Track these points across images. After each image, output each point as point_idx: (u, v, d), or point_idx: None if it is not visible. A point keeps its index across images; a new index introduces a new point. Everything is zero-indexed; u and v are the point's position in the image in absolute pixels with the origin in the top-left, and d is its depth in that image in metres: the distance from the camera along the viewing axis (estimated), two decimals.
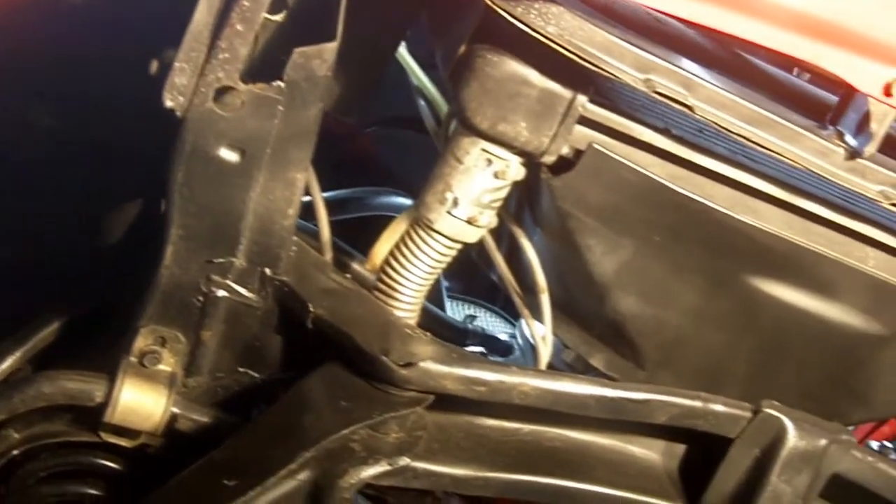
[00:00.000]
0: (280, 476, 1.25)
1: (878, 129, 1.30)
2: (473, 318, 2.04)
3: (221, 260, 1.33)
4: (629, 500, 1.43)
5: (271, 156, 1.25)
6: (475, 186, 1.34)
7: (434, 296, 2.16)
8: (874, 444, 2.10)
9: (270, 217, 1.30)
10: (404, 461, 1.33)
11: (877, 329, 1.48)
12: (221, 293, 1.35)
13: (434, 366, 1.30)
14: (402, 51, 1.69)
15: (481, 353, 1.81)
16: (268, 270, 1.35)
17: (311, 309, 1.35)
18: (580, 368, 1.59)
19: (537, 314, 1.52)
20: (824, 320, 1.46)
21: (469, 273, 2.19)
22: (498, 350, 1.88)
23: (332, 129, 2.30)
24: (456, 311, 2.26)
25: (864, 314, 1.47)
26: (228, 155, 1.24)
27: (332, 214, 1.56)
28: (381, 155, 2.59)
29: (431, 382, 1.30)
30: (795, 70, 1.70)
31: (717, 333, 1.48)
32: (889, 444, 2.09)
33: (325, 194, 1.54)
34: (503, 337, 1.96)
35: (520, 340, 1.86)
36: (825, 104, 1.46)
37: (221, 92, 1.20)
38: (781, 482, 1.40)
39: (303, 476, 1.27)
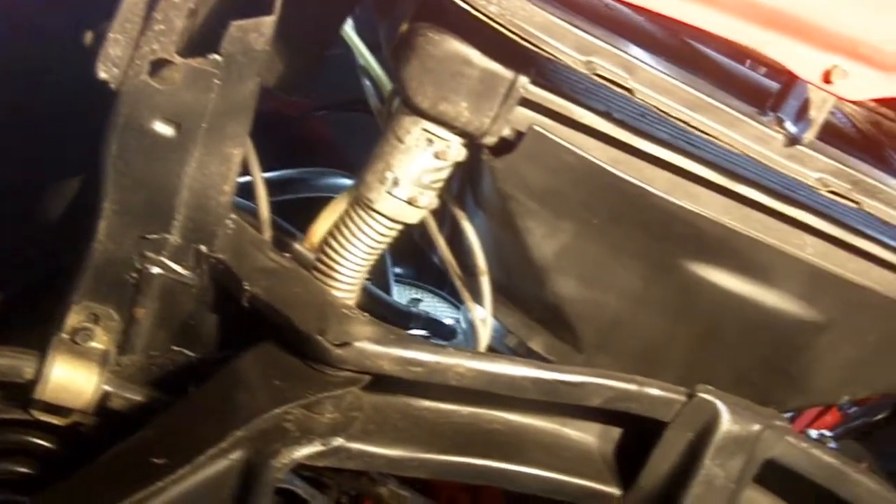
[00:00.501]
0: (210, 455, 1.23)
1: (817, 116, 1.31)
2: (418, 301, 2.04)
3: (155, 236, 1.31)
4: (564, 482, 1.43)
5: (207, 130, 1.23)
6: (416, 166, 1.33)
7: (381, 280, 2.15)
8: (814, 433, 2.12)
9: (206, 193, 1.29)
10: (338, 441, 1.32)
11: (813, 316, 1.49)
12: (156, 270, 1.33)
13: (370, 346, 1.29)
14: (349, 30, 1.68)
15: (424, 337, 1.81)
16: (203, 247, 1.33)
17: (247, 287, 1.33)
18: (523, 353, 1.59)
19: (478, 297, 1.51)
20: (761, 306, 1.47)
21: (418, 258, 2.19)
22: (441, 334, 1.87)
23: (284, 111, 2.30)
24: (403, 296, 2.25)
25: (800, 301, 1.48)
26: (163, 128, 1.22)
27: (276, 194, 1.55)
28: (334, 138, 2.58)
29: (367, 363, 1.29)
30: (748, 62, 1.71)
31: (654, 318, 1.49)
32: (828, 433, 2.12)
33: (268, 174, 1.53)
34: (448, 321, 1.96)
35: (463, 324, 1.86)
36: (769, 92, 1.46)
37: (157, 65, 1.18)
38: (715, 466, 1.40)
39: (234, 455, 1.25)
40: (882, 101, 2.08)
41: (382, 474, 1.51)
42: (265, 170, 1.48)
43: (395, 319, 1.77)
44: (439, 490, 1.77)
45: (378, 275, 2.12)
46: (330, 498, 1.66)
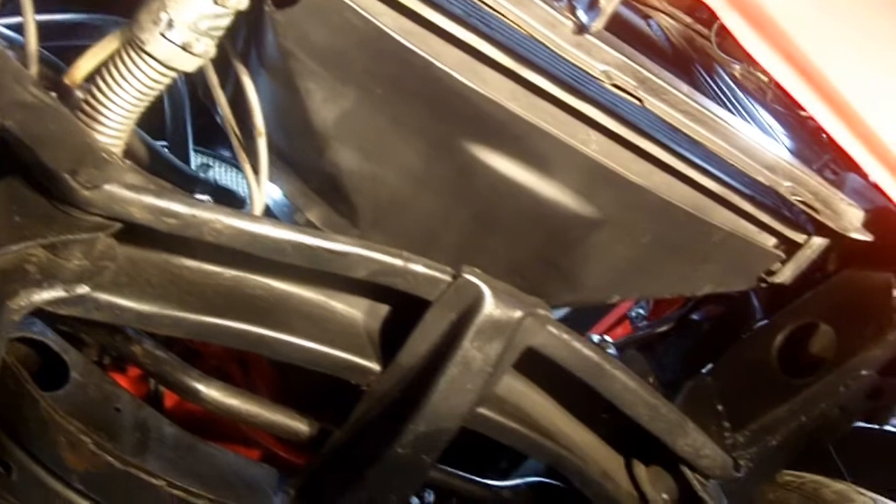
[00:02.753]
0: None
1: (607, 5, 1.30)
2: (208, 167, 1.97)
3: None
4: (324, 353, 1.41)
5: None
6: (192, 10, 1.25)
7: (180, 149, 2.08)
8: (595, 337, 2.17)
9: None
10: (84, 290, 1.26)
11: (590, 212, 1.50)
12: None
13: (121, 190, 1.21)
14: None
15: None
16: None
17: (0, 120, 1.24)
18: None
19: (256, 160, 1.46)
20: (540, 197, 1.46)
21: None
22: (230, 203, 1.81)
23: None
24: (195, 161, 2.17)
25: (579, 196, 1.48)
26: None
27: (58, 38, 1.45)
28: None
29: (117, 208, 1.22)
30: None
31: (432, 198, 1.47)
32: (609, 339, 2.16)
33: (49, 16, 1.43)
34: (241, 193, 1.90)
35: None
36: None
37: None
38: (473, 348, 1.40)
39: None
40: (698, 20, 2.11)
41: (139, 333, 1.46)
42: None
43: (178, 182, 1.70)
44: (208, 360, 1.74)
45: (176, 139, 2.05)
46: (88, 356, 1.61)
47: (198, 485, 1.46)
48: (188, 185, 1.78)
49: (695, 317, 2.23)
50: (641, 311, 2.73)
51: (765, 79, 2.06)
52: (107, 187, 1.21)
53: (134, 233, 1.29)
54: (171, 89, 2.04)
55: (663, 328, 2.25)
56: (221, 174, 2.18)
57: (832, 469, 2.24)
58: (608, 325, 2.78)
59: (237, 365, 1.82)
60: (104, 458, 1.40)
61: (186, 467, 1.48)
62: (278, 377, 1.82)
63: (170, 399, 1.78)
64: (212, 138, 2.22)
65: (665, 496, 1.72)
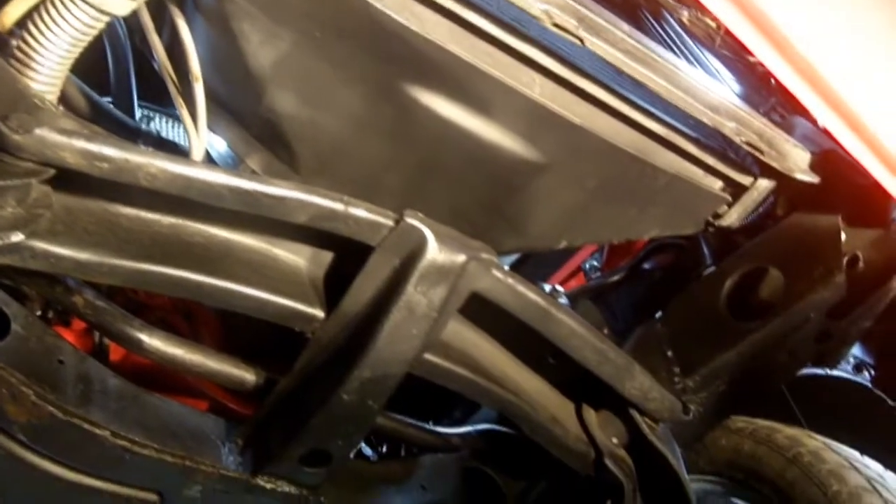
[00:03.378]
0: None
1: None
2: (149, 119, 1.94)
3: None
4: (266, 300, 1.39)
5: None
6: None
7: (125, 103, 2.05)
8: (547, 287, 2.18)
9: None
10: (18, 237, 1.23)
11: (534, 156, 1.49)
12: None
13: (52, 135, 1.19)
14: None
15: None
16: None
17: None
18: None
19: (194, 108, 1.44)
20: (483, 141, 1.45)
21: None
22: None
23: None
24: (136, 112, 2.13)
25: (523, 140, 1.47)
26: None
27: None
28: None
29: (48, 153, 1.20)
30: None
31: (374, 144, 1.46)
32: (560, 288, 2.17)
33: None
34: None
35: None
36: None
37: None
38: (417, 294, 1.39)
39: None
40: None
41: (79, 284, 1.43)
42: None
43: (118, 133, 1.67)
44: (152, 312, 1.72)
45: (120, 93, 2.01)
46: (31, 309, 1.59)
47: (143, 435, 1.45)
48: (129, 136, 1.74)
49: (646, 266, 2.24)
50: (595, 263, 2.74)
51: (713, 25, 2.06)
52: (38, 132, 1.18)
53: (69, 180, 1.27)
54: (113, 41, 2.00)
55: (615, 278, 2.25)
56: (170, 130, 2.15)
57: (788, 417, 2.27)
58: (562, 277, 2.79)
59: (182, 317, 1.80)
60: (46, 408, 1.38)
61: (131, 418, 1.46)
62: (223, 329, 1.80)
63: (116, 354, 1.76)
64: (161, 93, 2.19)
65: (615, 440, 1.73)
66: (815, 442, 2.06)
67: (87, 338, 1.76)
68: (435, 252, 1.38)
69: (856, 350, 2.72)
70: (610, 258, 2.73)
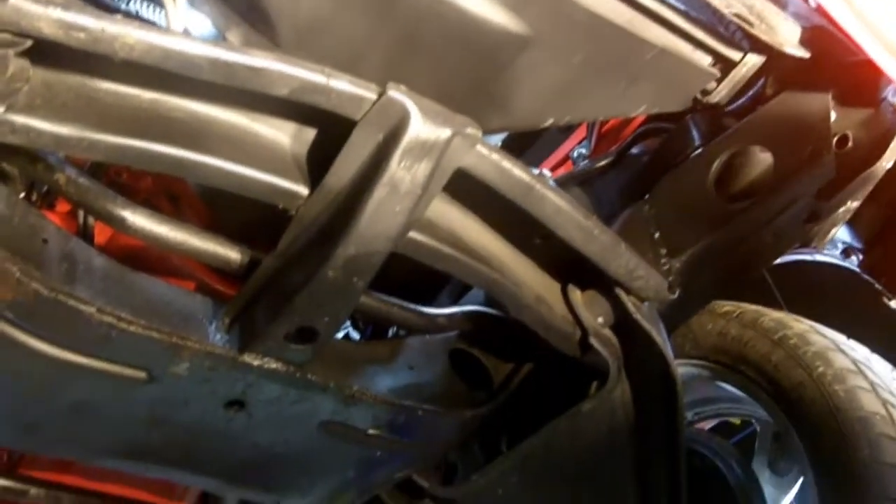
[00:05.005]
0: None
1: None
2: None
3: None
4: (248, 177, 1.38)
5: None
6: None
7: None
8: (535, 171, 2.16)
9: None
10: None
11: (519, 29, 1.46)
12: None
13: (27, 4, 1.16)
14: None
15: None
16: None
17: None
18: None
19: None
20: (466, 14, 1.42)
21: None
22: None
23: None
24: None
25: (507, 11, 1.44)
26: None
27: None
28: None
29: (24, 23, 1.17)
30: None
31: (355, 18, 1.43)
32: (548, 173, 2.16)
33: None
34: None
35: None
36: None
37: None
38: (401, 169, 1.37)
39: None
40: None
41: (61, 161, 1.42)
42: None
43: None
44: (137, 194, 1.71)
45: None
46: (14, 190, 1.57)
47: (128, 311, 1.45)
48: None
49: (634, 151, 2.23)
50: (584, 151, 2.72)
51: None
52: (12, 1, 1.16)
53: (47, 54, 1.25)
54: None
55: (602, 163, 2.24)
56: (149, 13, 2.10)
57: (774, 302, 2.28)
58: (551, 165, 2.78)
59: (166, 199, 1.79)
60: (31, 285, 1.38)
61: (116, 295, 1.46)
62: (208, 211, 1.79)
63: (101, 237, 1.76)
64: None
65: (601, 319, 1.73)
66: (801, 325, 2.08)
67: (71, 220, 1.75)
68: (419, 126, 1.36)
69: (844, 235, 2.73)
70: (598, 146, 2.71)
